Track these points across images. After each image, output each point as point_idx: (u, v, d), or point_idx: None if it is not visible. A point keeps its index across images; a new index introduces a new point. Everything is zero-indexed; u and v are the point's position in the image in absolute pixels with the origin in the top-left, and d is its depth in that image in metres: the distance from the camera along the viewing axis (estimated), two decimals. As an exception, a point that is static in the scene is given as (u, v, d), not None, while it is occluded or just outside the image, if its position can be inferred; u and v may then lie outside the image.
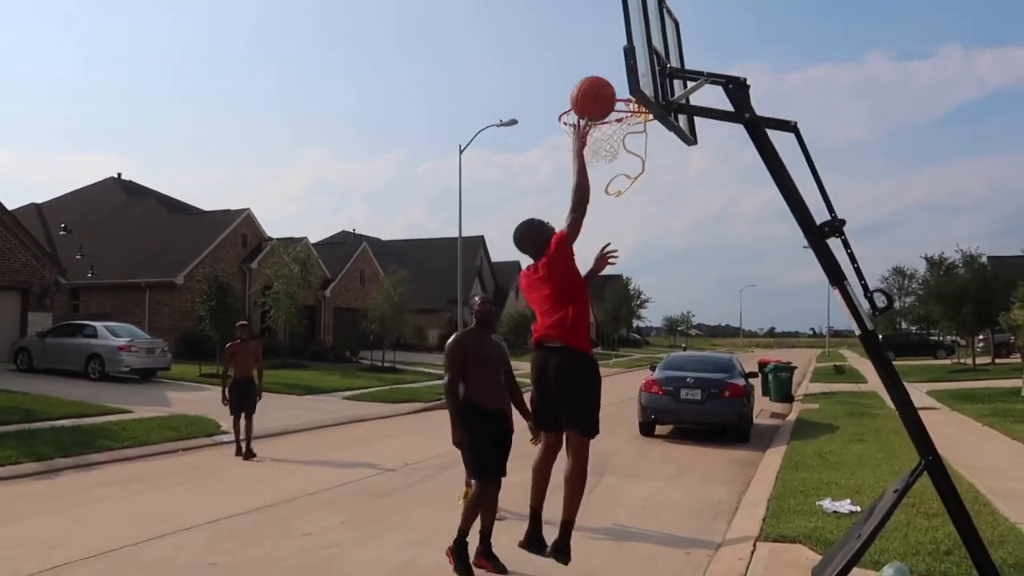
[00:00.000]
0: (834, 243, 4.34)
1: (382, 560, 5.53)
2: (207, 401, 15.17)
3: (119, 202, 36.54)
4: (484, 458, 5.12)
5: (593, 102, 4.40)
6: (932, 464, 4.08)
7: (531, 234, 4.57)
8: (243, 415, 10.11)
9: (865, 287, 4.33)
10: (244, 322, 10.86)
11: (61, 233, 32.21)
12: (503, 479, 5.26)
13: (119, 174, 39.77)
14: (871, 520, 4.15)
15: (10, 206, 24.02)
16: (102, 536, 6.10)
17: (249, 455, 10.03)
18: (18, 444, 9.78)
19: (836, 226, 4.29)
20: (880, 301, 4.28)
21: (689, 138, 4.91)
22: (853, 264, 4.34)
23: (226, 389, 10.11)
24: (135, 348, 19.36)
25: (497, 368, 5.40)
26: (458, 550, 5.04)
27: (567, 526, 4.34)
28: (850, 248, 4.33)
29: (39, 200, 36.65)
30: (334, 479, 8.68)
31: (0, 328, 22.48)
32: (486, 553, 5.19)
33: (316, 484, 8.35)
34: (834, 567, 4.09)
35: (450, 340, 5.37)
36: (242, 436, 10.14)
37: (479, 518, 5.17)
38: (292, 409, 15.48)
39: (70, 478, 8.75)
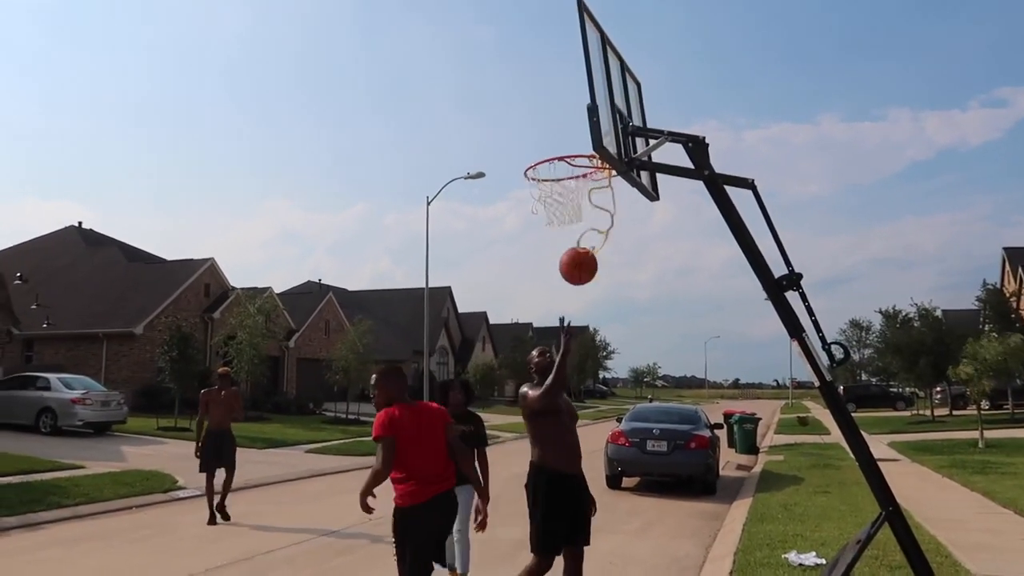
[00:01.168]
0: (792, 296, 4.45)
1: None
2: (163, 455, 14.75)
3: (79, 251, 35.89)
4: (555, 531, 4.52)
5: (579, 269, 4.58)
6: (893, 515, 4.12)
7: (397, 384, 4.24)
8: (221, 470, 9.20)
9: (823, 339, 4.42)
10: (225, 368, 10.08)
11: (16, 282, 31.44)
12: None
13: (80, 223, 39.14)
14: (834, 573, 4.16)
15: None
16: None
17: (224, 516, 9.17)
18: (-39, 502, 9.37)
19: (794, 279, 4.40)
20: (837, 353, 4.37)
21: (651, 194, 5.02)
22: (811, 317, 4.44)
23: (200, 442, 9.19)
24: (89, 401, 18.74)
25: (573, 424, 4.83)
26: None
27: None
28: (807, 301, 4.43)
29: (-6, 249, 35.90)
30: (293, 536, 8.45)
31: (-52, 380, 21.69)
32: None
33: (274, 542, 8.11)
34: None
35: (520, 393, 4.88)
36: (217, 491, 9.17)
37: None
38: (252, 463, 15.08)
39: (17, 538, 8.37)
